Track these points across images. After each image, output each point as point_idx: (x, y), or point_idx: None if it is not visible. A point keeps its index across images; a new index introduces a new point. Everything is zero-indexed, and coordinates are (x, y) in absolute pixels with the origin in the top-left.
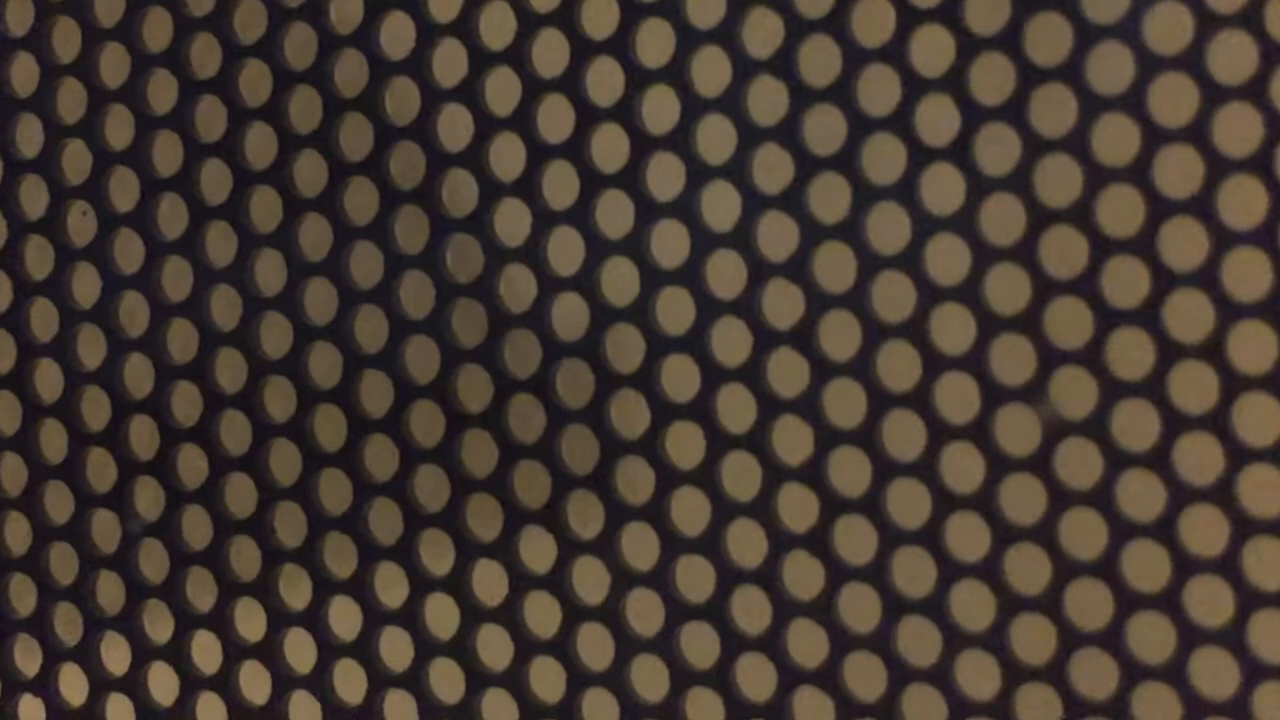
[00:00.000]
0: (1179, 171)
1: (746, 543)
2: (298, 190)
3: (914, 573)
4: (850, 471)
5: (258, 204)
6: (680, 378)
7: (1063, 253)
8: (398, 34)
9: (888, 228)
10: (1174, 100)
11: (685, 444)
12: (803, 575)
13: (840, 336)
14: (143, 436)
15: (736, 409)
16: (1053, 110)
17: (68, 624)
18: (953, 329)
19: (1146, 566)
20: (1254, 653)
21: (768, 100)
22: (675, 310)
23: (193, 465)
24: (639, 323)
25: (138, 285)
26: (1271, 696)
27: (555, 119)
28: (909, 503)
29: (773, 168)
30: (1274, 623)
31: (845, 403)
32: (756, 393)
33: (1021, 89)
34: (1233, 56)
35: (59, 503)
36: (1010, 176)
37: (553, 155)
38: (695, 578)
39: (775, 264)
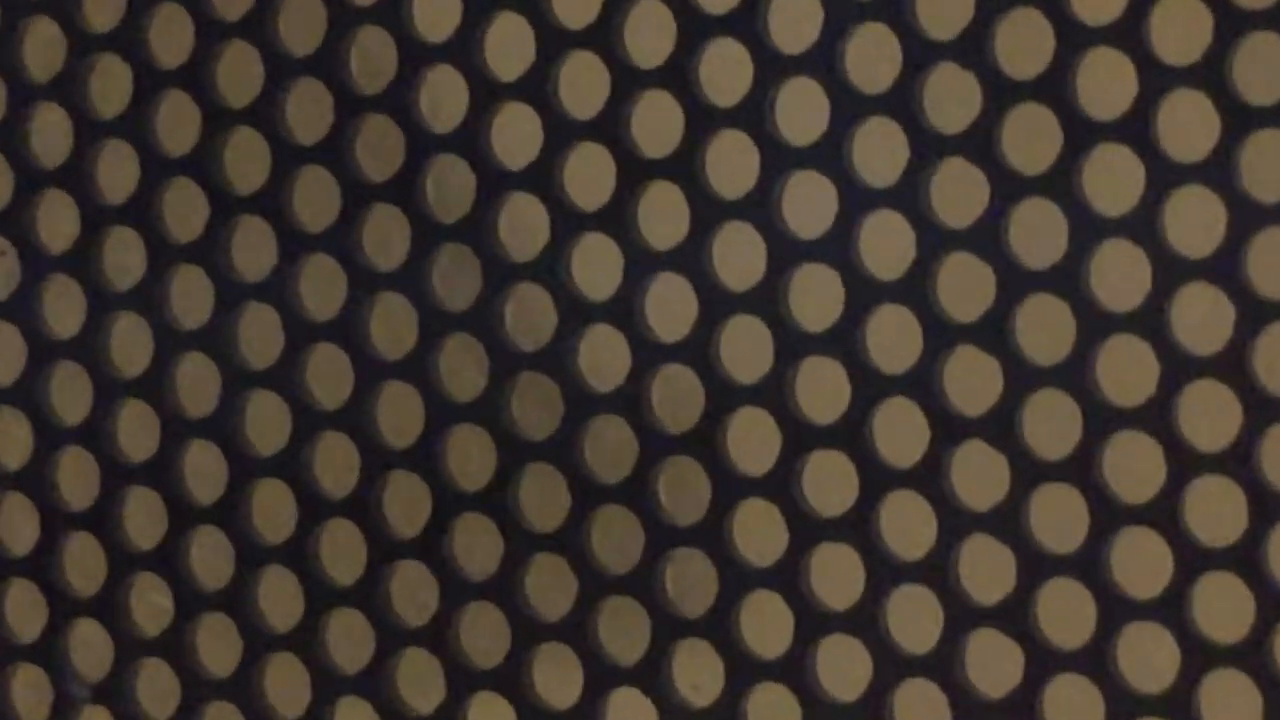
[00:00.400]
0: None
1: (917, 709)
2: (296, 221)
3: None
4: (1068, 611)
5: (242, 240)
6: (830, 483)
7: None
8: (437, 9)
9: (1119, 274)
10: None
11: (837, 575)
12: None
13: (1054, 427)
14: (83, 565)
15: (908, 528)
16: None
17: None
18: (1212, 416)
19: None
20: None
21: (952, 100)
22: (824, 391)
23: (152, 603)
24: (774, 408)
25: (75, 354)
26: None
27: (657, 123)
28: (1146, 653)
29: (959, 191)
30: None
31: (1060, 520)
32: (936, 503)
33: None
34: None
35: None
36: None
37: (653, 174)
38: None
39: (961, 325)
